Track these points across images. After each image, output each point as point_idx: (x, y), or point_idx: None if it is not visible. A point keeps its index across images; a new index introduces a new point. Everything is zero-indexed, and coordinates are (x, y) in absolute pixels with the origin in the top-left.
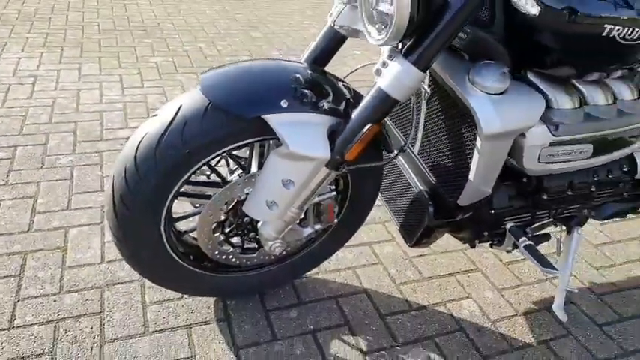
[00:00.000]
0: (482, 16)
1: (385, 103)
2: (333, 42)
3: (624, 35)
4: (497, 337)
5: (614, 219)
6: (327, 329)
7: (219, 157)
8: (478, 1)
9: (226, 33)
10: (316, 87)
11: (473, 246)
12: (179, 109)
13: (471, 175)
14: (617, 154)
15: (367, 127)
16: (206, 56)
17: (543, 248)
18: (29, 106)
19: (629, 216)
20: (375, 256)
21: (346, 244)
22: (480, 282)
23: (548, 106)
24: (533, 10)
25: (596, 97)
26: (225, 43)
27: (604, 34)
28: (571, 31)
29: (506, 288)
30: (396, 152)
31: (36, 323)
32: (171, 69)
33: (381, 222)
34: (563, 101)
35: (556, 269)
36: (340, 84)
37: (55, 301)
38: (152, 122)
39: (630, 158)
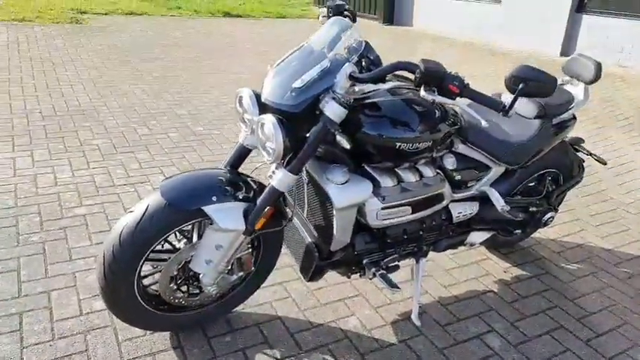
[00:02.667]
0: (329, 139)
1: (275, 194)
2: (243, 153)
3: (408, 147)
4: (372, 340)
5: (459, 249)
6: (252, 347)
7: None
8: (323, 138)
9: (155, 112)
10: (234, 184)
11: (348, 277)
12: (147, 207)
13: (335, 232)
14: (431, 210)
15: (267, 208)
16: (140, 136)
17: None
18: None
19: (463, 248)
20: (287, 292)
21: (265, 285)
22: (362, 304)
23: (379, 186)
24: (347, 145)
25: (409, 177)
26: (155, 122)
27: (396, 147)
28: (380, 145)
29: (380, 306)
30: (286, 221)
31: None
32: (112, 150)
33: (290, 266)
34: (387, 182)
35: (399, 288)
36: (249, 179)
37: (50, 345)
38: (130, 215)
39: (447, 210)
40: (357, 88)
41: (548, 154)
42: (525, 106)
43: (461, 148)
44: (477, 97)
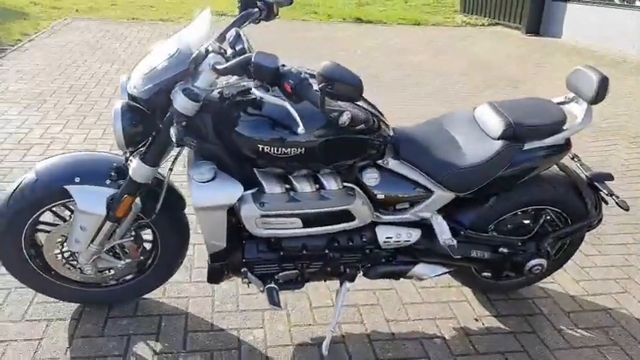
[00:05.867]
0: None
1: (132, 184)
2: None
3: (273, 151)
4: (264, 357)
5: (433, 284)
6: (139, 335)
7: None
8: (167, 132)
9: None
10: (116, 170)
11: (248, 285)
12: (21, 182)
13: (204, 234)
14: (335, 228)
15: (125, 196)
16: None
17: None
18: None
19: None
20: (213, 290)
21: (196, 280)
22: (280, 318)
23: (262, 191)
24: (174, 139)
25: (304, 187)
26: None
27: (260, 150)
28: (244, 145)
29: (299, 325)
30: (153, 215)
31: None
32: None
33: None
34: (273, 188)
35: (280, 307)
36: None
37: None
38: (8, 189)
39: (372, 230)
40: (244, 83)
41: (543, 187)
42: (491, 123)
43: (391, 163)
44: (311, 99)
